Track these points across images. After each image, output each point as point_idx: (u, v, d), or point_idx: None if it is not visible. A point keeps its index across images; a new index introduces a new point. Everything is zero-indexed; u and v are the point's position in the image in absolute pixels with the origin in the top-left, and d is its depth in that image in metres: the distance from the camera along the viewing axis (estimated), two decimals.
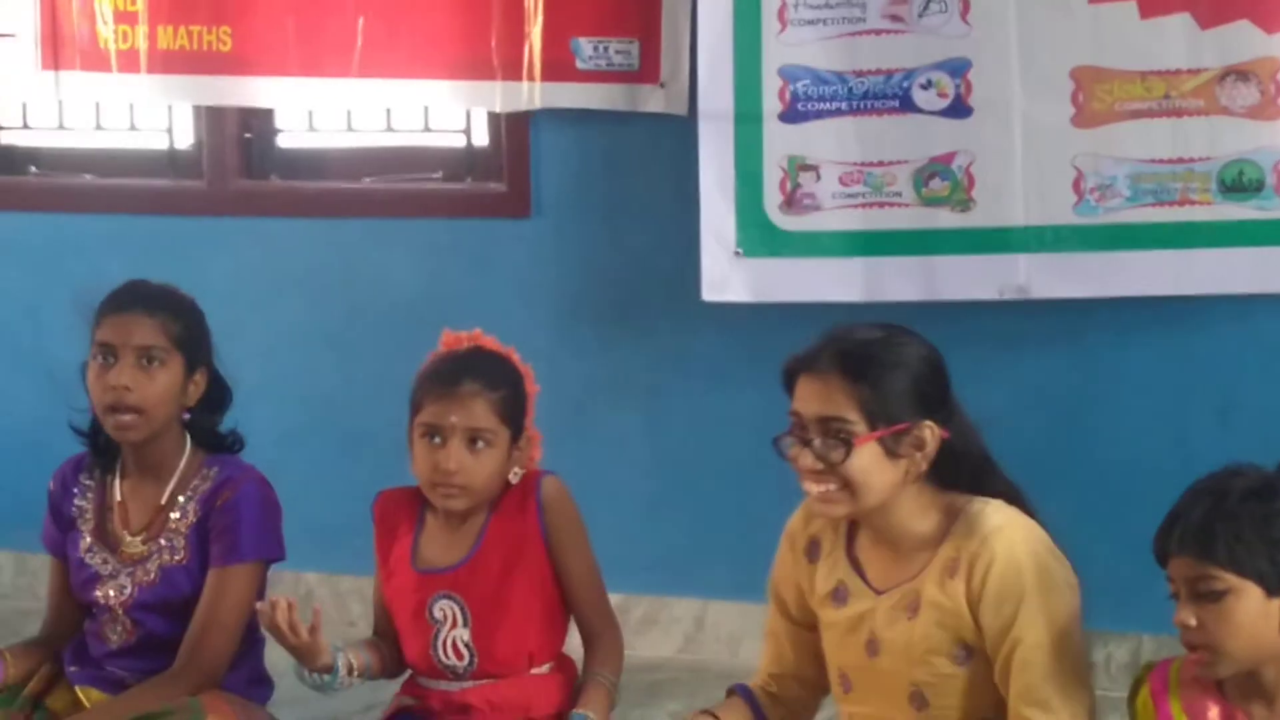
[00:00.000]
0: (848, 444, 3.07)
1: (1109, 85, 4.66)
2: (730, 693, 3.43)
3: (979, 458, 3.22)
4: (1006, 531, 3.10)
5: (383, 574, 3.65)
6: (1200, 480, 2.95)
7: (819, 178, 4.86)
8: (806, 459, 3.11)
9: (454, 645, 3.54)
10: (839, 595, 3.25)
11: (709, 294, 5.00)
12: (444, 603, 3.54)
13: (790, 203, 4.89)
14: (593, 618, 3.59)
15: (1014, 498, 3.21)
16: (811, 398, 3.12)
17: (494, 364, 3.56)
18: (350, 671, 3.55)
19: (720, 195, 4.95)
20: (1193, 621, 2.87)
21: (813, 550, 3.32)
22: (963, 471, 3.18)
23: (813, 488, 3.13)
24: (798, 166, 4.87)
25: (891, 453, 3.09)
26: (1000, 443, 4.94)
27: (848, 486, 3.10)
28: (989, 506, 3.14)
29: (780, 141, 4.89)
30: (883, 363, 3.11)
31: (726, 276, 4.98)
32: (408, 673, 3.68)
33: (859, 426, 3.08)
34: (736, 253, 4.95)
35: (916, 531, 3.16)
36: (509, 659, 3.53)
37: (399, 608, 3.61)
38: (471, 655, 3.53)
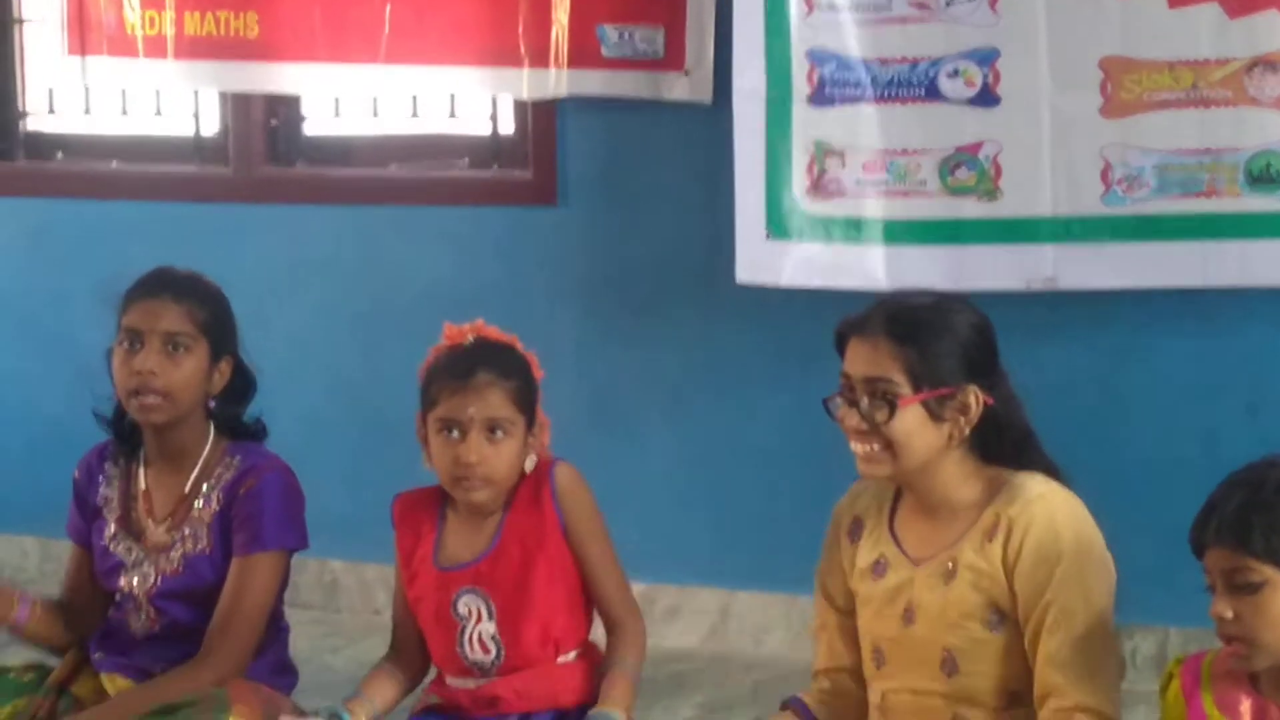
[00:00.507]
0: (892, 405, 3.13)
1: (1137, 75, 4.64)
2: (784, 706, 3.43)
3: (1022, 430, 3.25)
4: (1048, 499, 3.14)
5: (405, 576, 3.65)
6: (1236, 472, 2.95)
7: (844, 164, 4.84)
8: (852, 418, 3.17)
9: (480, 640, 3.54)
10: (878, 568, 3.28)
11: (743, 276, 4.98)
12: (468, 598, 3.54)
13: (816, 187, 4.88)
14: (613, 604, 3.59)
15: (1055, 474, 3.24)
16: (859, 359, 3.18)
17: (503, 353, 3.56)
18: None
19: (752, 178, 4.94)
20: (1229, 614, 2.86)
21: (855, 529, 3.36)
22: (1006, 442, 3.22)
23: (858, 447, 3.19)
24: (824, 151, 4.85)
25: (935, 415, 3.14)
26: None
27: (890, 447, 3.15)
28: (1032, 478, 3.18)
29: (808, 125, 4.87)
30: (931, 327, 3.17)
31: (759, 259, 4.96)
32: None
33: (904, 388, 3.13)
34: (766, 235, 4.93)
35: (957, 499, 3.20)
36: (535, 650, 3.53)
37: (423, 608, 3.60)
38: (498, 649, 3.53)
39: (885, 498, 3.32)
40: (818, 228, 4.90)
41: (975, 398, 3.15)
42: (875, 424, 3.14)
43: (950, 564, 3.16)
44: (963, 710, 3.18)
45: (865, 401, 3.15)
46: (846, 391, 3.19)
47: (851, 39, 4.78)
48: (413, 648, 3.67)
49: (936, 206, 4.80)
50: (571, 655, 3.57)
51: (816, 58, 4.84)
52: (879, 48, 4.78)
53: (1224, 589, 2.87)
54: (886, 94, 4.78)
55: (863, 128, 4.81)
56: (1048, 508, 3.13)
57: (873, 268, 4.84)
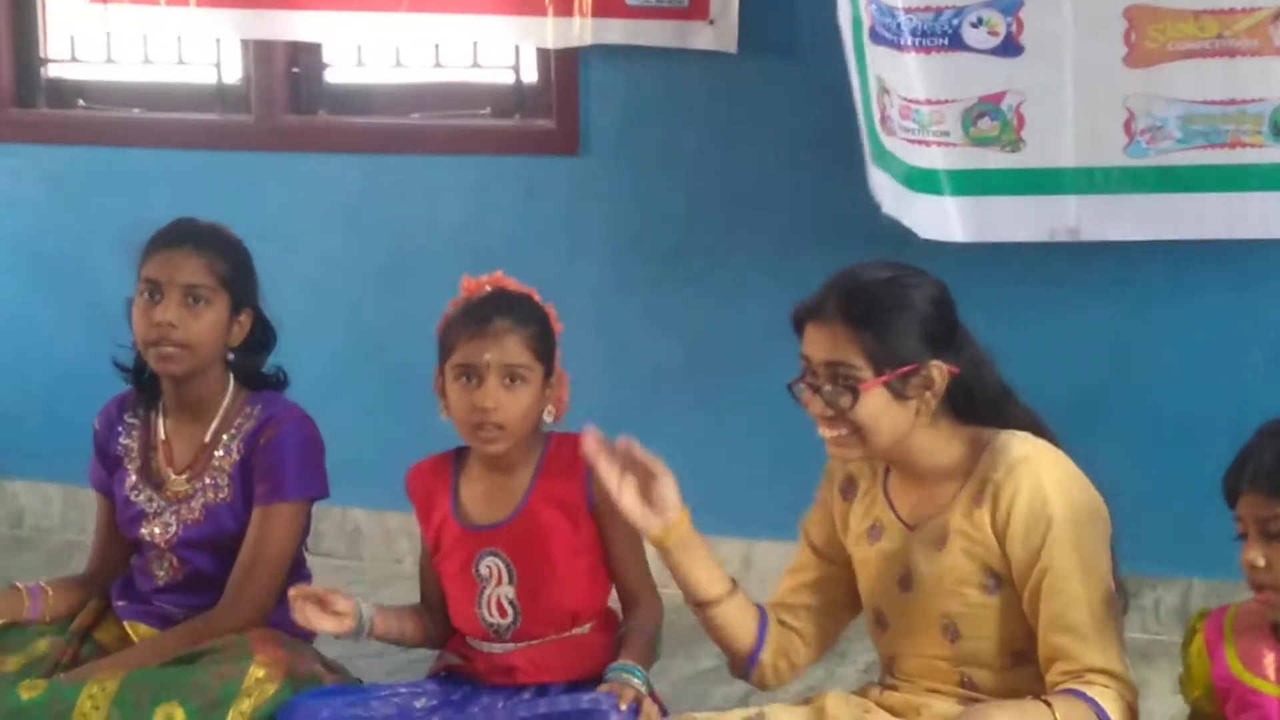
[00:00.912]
0: (854, 390, 3.10)
1: (1162, 24, 4.59)
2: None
3: (995, 389, 3.22)
4: (1033, 461, 3.10)
5: (429, 542, 3.66)
6: (1272, 420, 2.94)
7: (891, 104, 4.82)
8: (817, 405, 3.14)
9: (498, 603, 3.55)
10: (874, 533, 3.27)
11: (873, 194, 4.92)
12: (490, 559, 3.55)
13: (883, 121, 4.85)
14: (633, 585, 3.59)
15: (1035, 427, 3.21)
16: (818, 344, 3.14)
17: (521, 302, 3.56)
18: (371, 632, 3.58)
19: (859, 106, 4.90)
20: (1261, 561, 2.84)
21: (848, 488, 3.35)
22: (979, 404, 3.19)
23: (825, 432, 3.16)
24: (882, 88, 4.82)
25: (899, 395, 3.11)
26: (1052, 386, 4.91)
27: (858, 431, 3.12)
28: (1015, 438, 3.14)
29: (872, 60, 4.84)
30: (886, 306, 3.12)
31: (873, 182, 4.92)
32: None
33: (864, 372, 3.10)
34: (872, 162, 4.91)
35: (941, 465, 3.18)
36: (552, 617, 3.54)
37: (446, 565, 3.61)
38: (515, 613, 3.54)
39: (876, 461, 3.30)
40: (889, 161, 4.88)
41: (938, 371, 3.12)
42: (840, 409, 3.11)
43: (942, 528, 3.15)
44: (969, 671, 3.18)
45: (828, 388, 3.11)
46: (808, 376, 3.15)
47: None
48: (439, 614, 3.68)
49: (960, 157, 4.76)
50: (587, 627, 3.58)
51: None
52: None
53: (1257, 536, 2.85)
54: (911, 43, 4.74)
55: (898, 74, 4.78)
56: (1032, 470, 3.09)
57: (913, 212, 4.83)
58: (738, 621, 3.34)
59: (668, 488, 3.27)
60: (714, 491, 5.38)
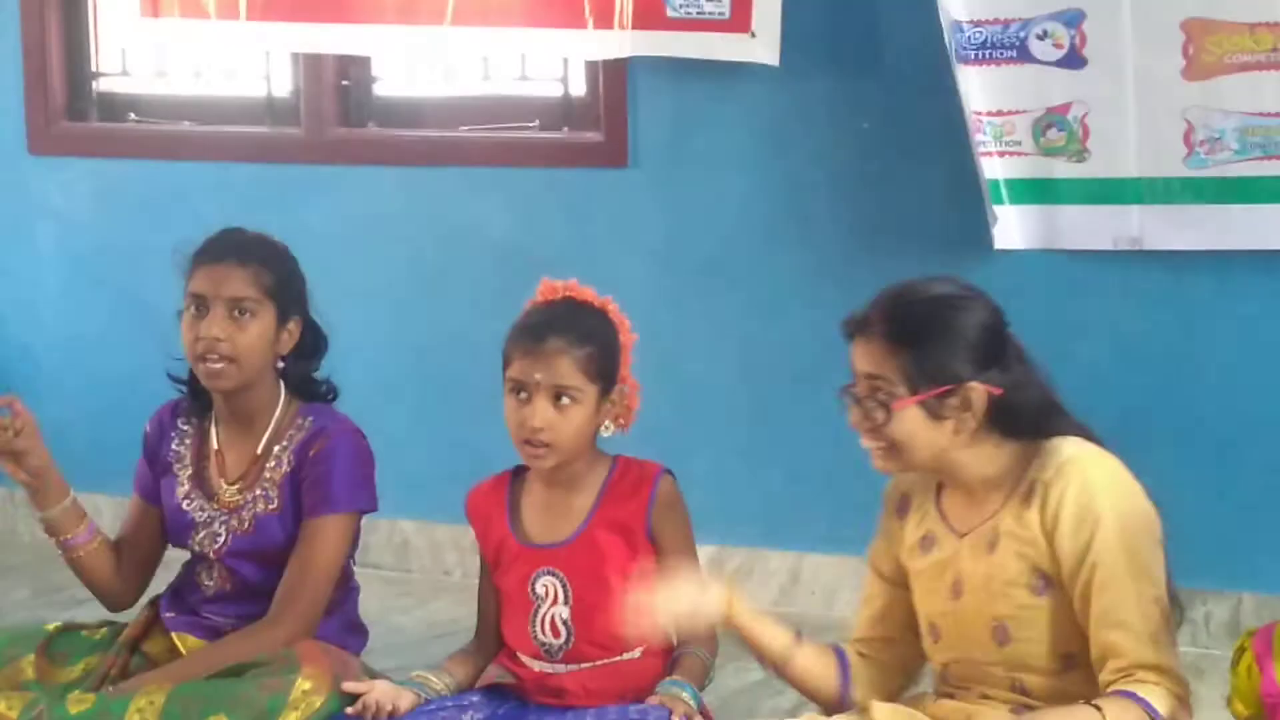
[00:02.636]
0: (887, 407, 3.10)
1: (1218, 37, 4.60)
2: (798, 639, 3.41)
3: (1040, 408, 3.19)
4: (1081, 460, 3.10)
5: (489, 559, 3.64)
6: None
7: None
8: (854, 416, 3.16)
9: (552, 622, 3.53)
10: (926, 543, 3.27)
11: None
12: (546, 579, 3.53)
13: None
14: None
15: (1086, 437, 3.19)
16: (860, 357, 3.15)
17: (583, 317, 3.53)
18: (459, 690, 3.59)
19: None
20: None
21: (903, 506, 3.34)
22: (1024, 421, 3.17)
23: (866, 444, 3.17)
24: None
25: (935, 414, 3.11)
26: (1101, 397, 4.92)
27: (894, 446, 3.14)
28: (1065, 441, 3.14)
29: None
30: (929, 326, 3.12)
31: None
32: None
33: (900, 390, 3.10)
34: None
35: (989, 476, 3.17)
36: (605, 641, 3.52)
37: (504, 581, 3.59)
38: (569, 634, 3.53)
39: (929, 477, 3.29)
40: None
41: (977, 393, 3.10)
42: (875, 424, 3.12)
43: (992, 532, 3.15)
44: (1020, 676, 3.16)
45: (865, 402, 3.13)
46: (851, 386, 3.17)
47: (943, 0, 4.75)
48: (494, 638, 3.66)
49: (1031, 166, 4.79)
50: (638, 652, 3.55)
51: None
52: (970, 9, 4.75)
53: None
54: (980, 55, 4.75)
55: (964, 88, 4.78)
56: (1080, 469, 3.09)
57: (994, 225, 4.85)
58: (818, 668, 3.36)
59: (700, 587, 3.35)
60: (764, 504, 5.40)
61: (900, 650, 3.39)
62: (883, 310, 3.15)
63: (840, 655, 3.37)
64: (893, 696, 3.37)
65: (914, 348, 3.10)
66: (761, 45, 5.14)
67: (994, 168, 4.81)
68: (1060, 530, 3.06)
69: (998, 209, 4.84)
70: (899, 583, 3.35)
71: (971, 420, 3.11)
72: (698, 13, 5.20)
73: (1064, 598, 3.10)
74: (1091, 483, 3.07)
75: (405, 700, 3.49)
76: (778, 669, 3.36)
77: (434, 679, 3.57)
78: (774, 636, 3.35)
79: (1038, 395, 3.19)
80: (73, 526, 3.83)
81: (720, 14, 5.18)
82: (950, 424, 3.11)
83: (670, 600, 3.31)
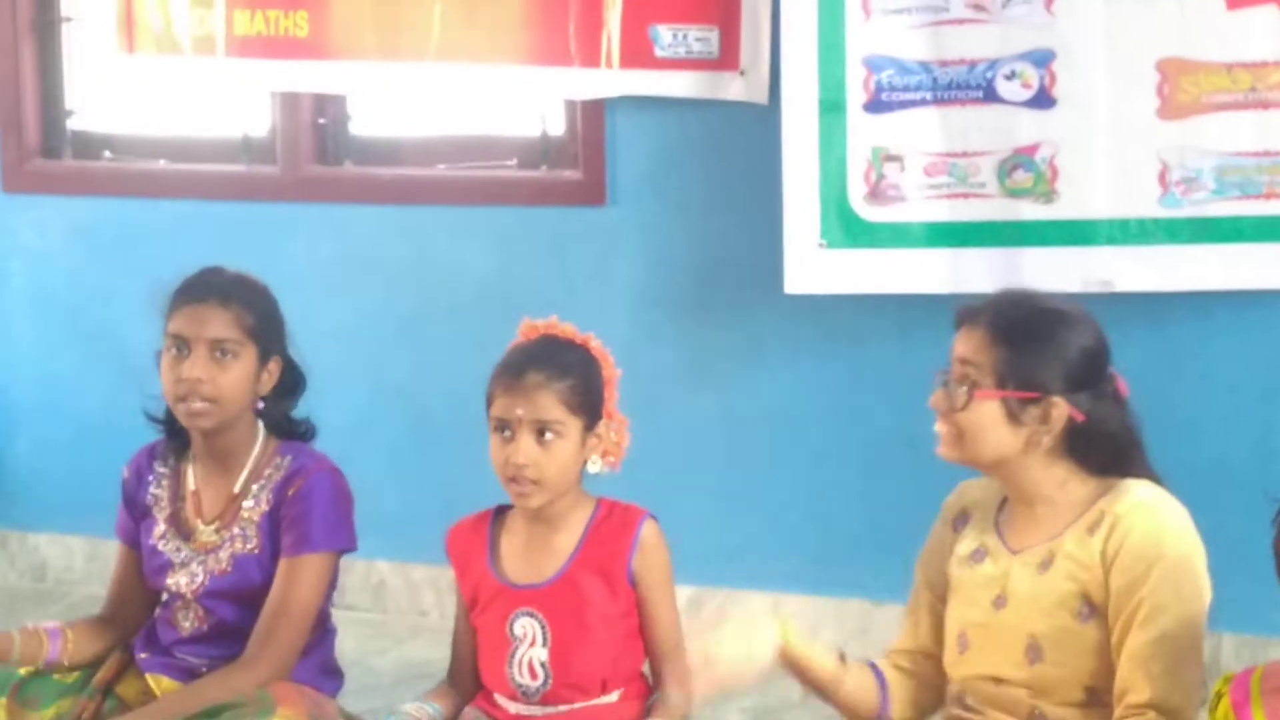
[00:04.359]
0: (970, 393, 3.15)
1: (1195, 77, 4.61)
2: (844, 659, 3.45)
3: (1121, 444, 3.23)
4: (1157, 504, 3.14)
5: (467, 598, 3.61)
6: None
7: (903, 169, 4.82)
8: (937, 395, 3.21)
9: (530, 664, 3.50)
10: (977, 555, 3.29)
11: (792, 286, 4.96)
12: (525, 620, 3.50)
13: (875, 194, 4.85)
14: (668, 658, 3.54)
15: (1159, 486, 3.23)
16: (961, 342, 3.22)
17: (563, 352, 3.52)
18: None
19: (803, 186, 4.91)
20: None
21: (960, 521, 3.38)
22: (1100, 453, 3.20)
23: (938, 425, 3.22)
24: (882, 157, 4.83)
25: (1014, 417, 3.15)
26: None
27: (962, 436, 3.18)
28: (1143, 484, 3.18)
29: (865, 132, 4.85)
30: (1033, 331, 3.18)
31: (810, 268, 4.94)
32: None
33: (987, 380, 3.15)
34: (820, 244, 4.91)
35: (1055, 499, 3.20)
36: (582, 684, 3.49)
37: (482, 621, 3.57)
38: (546, 676, 3.50)
39: (993, 496, 3.33)
40: (876, 234, 4.87)
41: (1059, 409, 3.15)
42: (952, 406, 3.18)
43: (1049, 553, 3.17)
44: (1042, 703, 3.16)
45: (952, 383, 3.18)
46: (945, 369, 3.23)
47: (910, 42, 4.75)
48: (468, 679, 3.63)
49: (995, 209, 4.78)
50: (615, 695, 3.53)
51: (873, 64, 4.81)
52: (938, 50, 4.76)
53: None
54: (946, 96, 4.75)
55: (923, 131, 4.78)
56: (1154, 510, 3.13)
57: (934, 272, 4.82)
58: (862, 689, 3.39)
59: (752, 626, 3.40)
60: (743, 544, 5.38)
61: (939, 665, 3.38)
62: (996, 305, 3.24)
63: (878, 673, 3.40)
64: (926, 713, 3.41)
65: (1013, 346, 3.16)
66: (751, 84, 5.14)
67: (953, 210, 4.80)
68: (1120, 562, 3.08)
69: (969, 251, 4.81)
70: (944, 595, 3.37)
71: (1047, 435, 3.16)
72: (686, 52, 5.20)
73: (1104, 630, 3.11)
74: (1161, 524, 3.11)
75: None
76: (827, 694, 3.39)
77: (413, 711, 3.54)
78: (824, 663, 3.38)
79: (1120, 432, 3.22)
80: (37, 654, 3.77)
81: (709, 53, 5.19)
82: (1025, 432, 3.16)
83: (725, 643, 3.32)
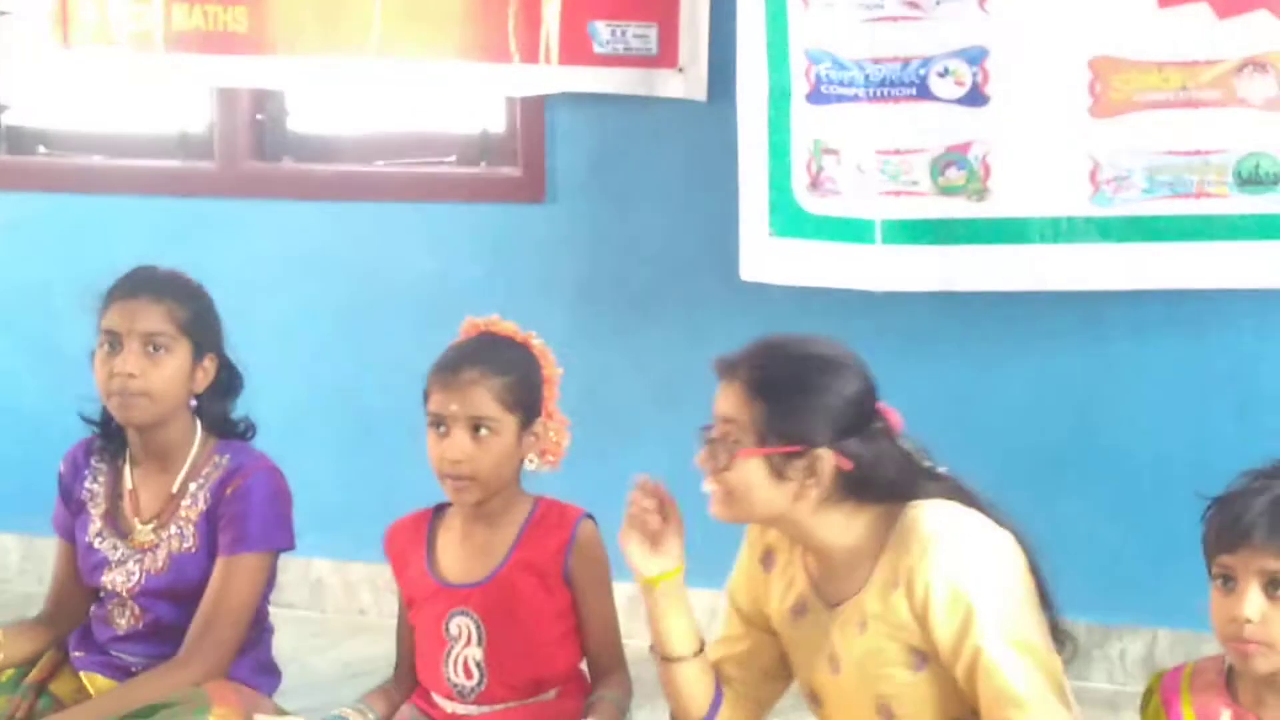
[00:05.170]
0: (730, 453, 3.07)
1: (1126, 75, 4.62)
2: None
3: (897, 479, 3.11)
4: (942, 540, 3.02)
5: (405, 599, 3.62)
6: (1256, 470, 2.90)
7: (839, 162, 4.81)
8: (701, 454, 3.13)
9: (465, 664, 3.51)
10: (798, 610, 3.22)
11: (747, 273, 4.95)
12: (460, 619, 3.51)
13: (815, 185, 4.85)
14: (605, 657, 3.56)
15: (948, 492, 3.13)
16: (720, 399, 3.12)
17: (501, 350, 3.52)
18: None
19: (755, 175, 4.91)
20: (1256, 616, 2.80)
21: (768, 560, 3.30)
22: (876, 491, 3.10)
23: (706, 486, 3.13)
24: (821, 149, 4.83)
25: (778, 473, 3.06)
26: (1017, 435, 4.97)
27: (730, 494, 3.10)
28: (923, 512, 3.06)
29: (806, 122, 4.84)
30: (791, 384, 3.08)
31: (762, 257, 4.93)
32: None
33: (746, 439, 3.06)
34: (770, 233, 4.91)
35: (845, 545, 3.12)
36: (518, 683, 3.50)
37: (418, 620, 3.57)
38: (481, 675, 3.50)
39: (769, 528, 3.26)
40: (817, 226, 4.87)
41: (824, 461, 3.05)
42: (716, 467, 3.09)
43: (860, 612, 3.09)
44: None
45: (714, 443, 3.10)
46: (709, 428, 3.14)
47: (845, 37, 4.76)
48: (412, 676, 3.64)
49: (928, 206, 4.77)
50: (553, 693, 3.54)
51: (813, 56, 4.80)
52: (872, 47, 4.75)
53: (1258, 589, 2.81)
54: (879, 93, 4.75)
55: (857, 127, 4.78)
56: (944, 551, 3.00)
57: (870, 268, 4.82)
58: (699, 685, 3.32)
59: (675, 536, 3.29)
60: (685, 540, 5.37)
61: (754, 695, 3.36)
62: (752, 358, 3.13)
63: (718, 687, 3.33)
64: None
65: (771, 402, 3.06)
66: (689, 80, 5.15)
67: (899, 208, 4.80)
68: (932, 617, 3.00)
69: (902, 248, 4.82)
70: (762, 627, 3.32)
71: (815, 487, 3.06)
72: (624, 49, 5.21)
73: (943, 670, 3.05)
74: (957, 568, 3.00)
75: None
76: (668, 663, 3.30)
77: (353, 714, 3.54)
78: (686, 634, 3.30)
79: (895, 469, 3.11)
80: None
81: (647, 50, 5.19)
82: (793, 486, 3.06)
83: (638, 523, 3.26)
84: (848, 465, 3.06)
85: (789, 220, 4.91)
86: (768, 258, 4.94)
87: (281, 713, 3.67)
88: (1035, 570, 3.10)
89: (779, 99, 4.87)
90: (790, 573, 3.24)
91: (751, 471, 3.06)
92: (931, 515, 3.06)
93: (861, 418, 3.09)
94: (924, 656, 3.06)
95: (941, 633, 3.00)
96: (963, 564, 3.01)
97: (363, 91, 5.68)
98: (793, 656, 3.26)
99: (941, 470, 3.18)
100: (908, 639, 3.05)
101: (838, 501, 3.09)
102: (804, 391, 3.07)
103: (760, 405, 3.06)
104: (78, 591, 3.87)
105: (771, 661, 3.34)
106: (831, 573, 3.16)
